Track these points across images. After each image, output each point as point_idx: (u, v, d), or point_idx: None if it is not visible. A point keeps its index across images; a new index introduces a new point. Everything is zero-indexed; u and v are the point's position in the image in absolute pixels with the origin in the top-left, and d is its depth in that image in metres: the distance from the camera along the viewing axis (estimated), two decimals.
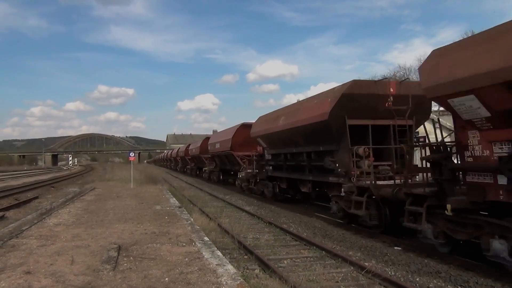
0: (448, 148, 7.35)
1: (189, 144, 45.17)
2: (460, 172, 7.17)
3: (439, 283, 6.33)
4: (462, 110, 6.39)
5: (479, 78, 5.77)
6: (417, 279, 6.55)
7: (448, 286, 6.21)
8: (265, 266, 7.10)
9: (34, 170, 67.17)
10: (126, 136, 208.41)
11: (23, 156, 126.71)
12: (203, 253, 6.89)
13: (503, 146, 6.02)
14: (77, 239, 8.07)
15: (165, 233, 8.63)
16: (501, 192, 6.15)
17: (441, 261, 7.47)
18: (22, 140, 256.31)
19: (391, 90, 10.85)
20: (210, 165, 31.54)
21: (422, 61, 7.65)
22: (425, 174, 8.68)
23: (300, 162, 14.27)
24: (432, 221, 7.67)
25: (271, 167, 17.40)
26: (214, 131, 65.59)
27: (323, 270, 7.09)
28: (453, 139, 7.36)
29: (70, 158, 71.20)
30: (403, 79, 19.86)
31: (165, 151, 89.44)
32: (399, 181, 9.08)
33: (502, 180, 6.09)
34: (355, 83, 11.07)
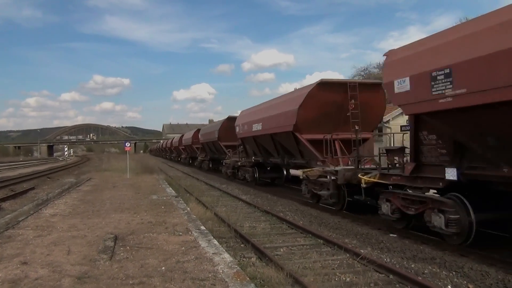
0: None
1: (183, 135, 46.54)
2: None
3: (433, 269, 6.39)
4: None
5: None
6: (412, 266, 6.61)
7: (443, 272, 6.27)
8: (261, 254, 7.13)
9: (30, 161, 66.82)
10: (122, 126, 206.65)
11: (19, 147, 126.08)
12: (200, 242, 6.91)
13: None
14: (73, 230, 8.08)
15: (162, 223, 8.65)
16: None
17: (436, 248, 7.54)
18: (17, 131, 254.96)
19: None
20: (202, 154, 33.67)
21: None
22: None
23: None
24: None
25: None
26: (210, 121, 65.77)
27: (319, 257, 7.13)
28: None
29: (66, 149, 70.80)
30: None
31: (161, 141, 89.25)
32: None
33: None
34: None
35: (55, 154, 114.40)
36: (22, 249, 6.53)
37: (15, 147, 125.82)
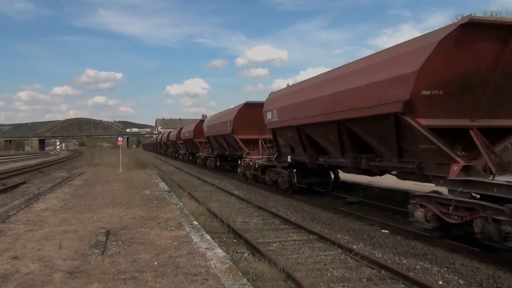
0: None
1: (170, 131, 53.74)
2: None
3: (425, 265, 6.44)
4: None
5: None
6: (404, 261, 6.66)
7: (434, 267, 6.32)
8: (254, 249, 7.14)
9: (21, 155, 66.24)
10: (114, 121, 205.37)
11: (10, 141, 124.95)
12: (192, 237, 6.89)
13: None
14: (65, 224, 8.02)
15: (154, 218, 8.61)
16: None
17: (427, 243, 7.59)
18: (8, 125, 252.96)
19: None
20: (183, 148, 41.05)
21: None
22: None
23: None
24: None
25: None
26: (203, 116, 66.23)
27: (311, 253, 7.16)
28: None
29: (58, 143, 70.12)
30: None
31: (154, 136, 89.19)
32: None
33: None
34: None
35: (46, 148, 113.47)
36: (13, 244, 6.46)
37: (6, 141, 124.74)
